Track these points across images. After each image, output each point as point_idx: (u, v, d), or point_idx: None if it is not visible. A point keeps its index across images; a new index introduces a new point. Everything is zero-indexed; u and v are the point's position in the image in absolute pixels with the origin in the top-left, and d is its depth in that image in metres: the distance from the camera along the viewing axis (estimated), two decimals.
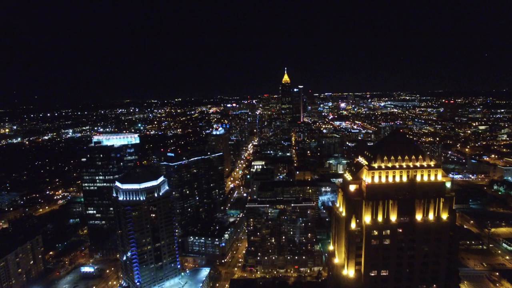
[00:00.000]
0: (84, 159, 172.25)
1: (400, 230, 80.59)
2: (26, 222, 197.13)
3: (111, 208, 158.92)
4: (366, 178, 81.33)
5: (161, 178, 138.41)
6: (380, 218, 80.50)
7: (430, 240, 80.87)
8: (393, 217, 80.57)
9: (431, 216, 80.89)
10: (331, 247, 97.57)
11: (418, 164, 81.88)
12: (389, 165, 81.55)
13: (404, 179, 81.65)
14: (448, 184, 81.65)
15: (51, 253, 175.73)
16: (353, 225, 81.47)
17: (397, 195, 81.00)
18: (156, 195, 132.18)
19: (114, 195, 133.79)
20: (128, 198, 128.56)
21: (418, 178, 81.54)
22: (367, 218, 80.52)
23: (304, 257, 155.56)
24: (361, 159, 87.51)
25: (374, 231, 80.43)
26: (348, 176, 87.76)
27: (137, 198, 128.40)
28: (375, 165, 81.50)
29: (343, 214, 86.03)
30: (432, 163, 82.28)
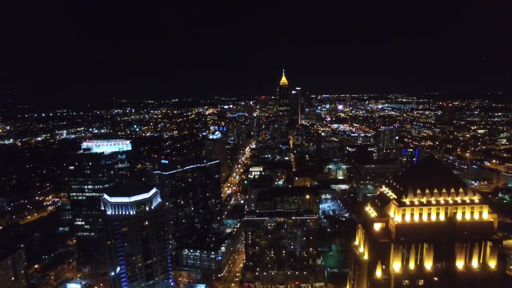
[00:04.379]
0: (72, 167, 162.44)
1: (436, 279, 66.95)
2: (11, 231, 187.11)
3: (101, 219, 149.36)
4: (396, 216, 67.97)
5: (153, 190, 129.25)
6: (412, 265, 67.55)
7: None
8: (428, 264, 67.53)
9: (475, 264, 67.20)
10: None
11: (458, 199, 67.82)
12: (424, 200, 67.94)
13: (442, 217, 68.08)
14: (495, 223, 68.94)
15: (36, 266, 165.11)
16: (378, 272, 68.06)
17: (433, 237, 67.17)
18: (147, 208, 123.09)
19: (102, 208, 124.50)
20: (117, 212, 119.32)
21: (459, 217, 67.75)
22: (396, 265, 67.49)
23: (305, 273, 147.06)
24: (386, 190, 73.88)
25: (405, 281, 67.09)
26: (372, 212, 73.71)
27: (127, 213, 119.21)
28: (406, 200, 68.00)
29: (365, 257, 72.39)
30: (476, 198, 68.39)
